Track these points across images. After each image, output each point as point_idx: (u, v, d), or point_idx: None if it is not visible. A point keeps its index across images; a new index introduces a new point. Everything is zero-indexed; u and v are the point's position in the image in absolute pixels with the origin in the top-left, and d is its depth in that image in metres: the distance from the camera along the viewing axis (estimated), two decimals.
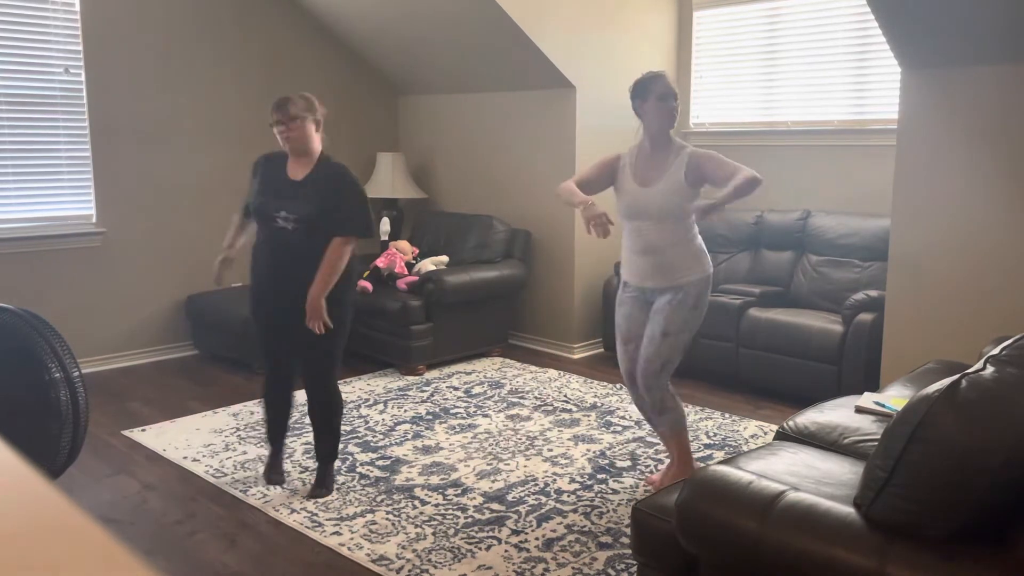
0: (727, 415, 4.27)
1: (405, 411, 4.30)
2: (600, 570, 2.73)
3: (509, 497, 3.28)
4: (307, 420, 4.18)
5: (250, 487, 3.39)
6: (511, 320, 5.53)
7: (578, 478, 3.47)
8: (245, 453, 3.75)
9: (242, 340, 4.91)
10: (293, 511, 3.17)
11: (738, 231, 5.12)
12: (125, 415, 4.26)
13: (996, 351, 1.78)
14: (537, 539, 2.94)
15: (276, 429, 3.45)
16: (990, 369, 1.71)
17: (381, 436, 3.95)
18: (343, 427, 4.05)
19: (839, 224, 4.78)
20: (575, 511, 3.16)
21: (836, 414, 2.62)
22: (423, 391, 4.64)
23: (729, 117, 5.53)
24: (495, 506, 3.20)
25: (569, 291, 5.40)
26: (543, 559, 2.80)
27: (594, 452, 3.75)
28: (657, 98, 3.12)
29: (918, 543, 1.62)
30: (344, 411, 4.29)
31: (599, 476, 3.49)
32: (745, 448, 3.82)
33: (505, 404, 4.42)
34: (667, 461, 3.49)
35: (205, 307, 5.19)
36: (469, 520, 3.08)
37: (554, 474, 3.51)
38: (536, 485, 3.40)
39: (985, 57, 3.51)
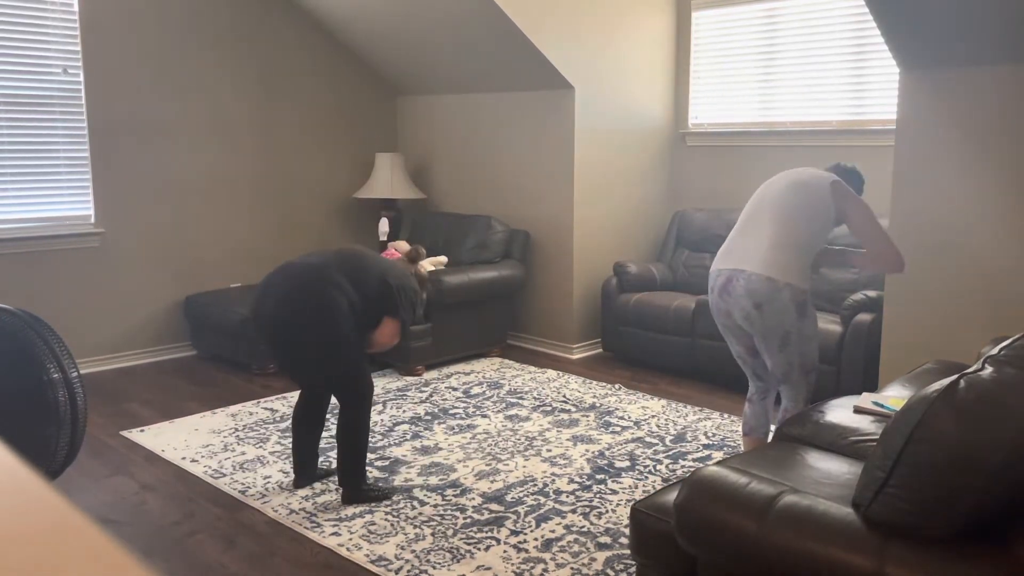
0: (726, 415, 4.27)
1: (404, 412, 4.30)
2: (599, 570, 2.73)
3: (508, 497, 3.28)
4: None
5: (248, 487, 3.38)
6: (510, 321, 5.53)
7: (577, 478, 3.47)
8: (244, 454, 3.75)
9: (240, 341, 4.91)
10: (292, 511, 3.17)
11: None
12: (123, 416, 4.25)
13: (995, 351, 1.78)
14: (536, 539, 2.94)
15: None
16: (988, 369, 1.71)
17: (380, 437, 3.94)
18: None
19: None
20: (574, 511, 3.16)
21: (835, 414, 2.62)
22: (422, 392, 4.64)
23: (727, 118, 5.53)
24: (494, 506, 3.20)
25: (568, 292, 5.40)
26: (542, 559, 2.80)
27: (593, 452, 3.76)
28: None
29: (917, 543, 1.62)
30: None
31: (598, 476, 3.49)
32: (744, 448, 3.82)
33: (504, 404, 4.42)
34: None
35: (204, 308, 5.18)
36: (468, 520, 3.08)
37: (553, 474, 3.51)
38: (535, 485, 3.40)
39: (984, 58, 3.51)
